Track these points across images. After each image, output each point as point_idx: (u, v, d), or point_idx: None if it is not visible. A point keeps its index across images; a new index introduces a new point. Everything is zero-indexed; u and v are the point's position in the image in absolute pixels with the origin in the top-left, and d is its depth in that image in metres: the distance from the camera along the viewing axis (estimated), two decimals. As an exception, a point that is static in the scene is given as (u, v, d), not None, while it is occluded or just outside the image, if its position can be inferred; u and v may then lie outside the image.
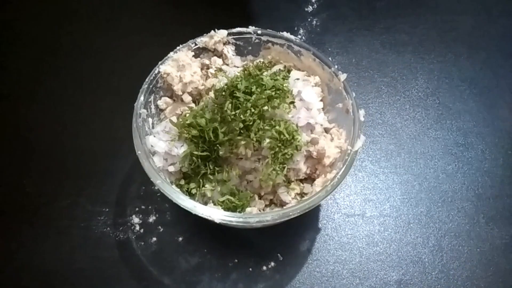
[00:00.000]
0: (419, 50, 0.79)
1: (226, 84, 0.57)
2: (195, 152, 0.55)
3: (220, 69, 0.63)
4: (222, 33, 0.63)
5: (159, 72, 0.60)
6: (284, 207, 0.56)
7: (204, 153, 0.56)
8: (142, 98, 0.58)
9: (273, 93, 0.56)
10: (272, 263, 0.59)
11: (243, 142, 0.55)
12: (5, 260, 0.60)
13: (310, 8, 0.82)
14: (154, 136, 0.59)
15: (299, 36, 0.78)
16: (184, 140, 0.57)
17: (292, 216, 0.51)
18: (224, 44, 0.64)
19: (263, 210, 0.58)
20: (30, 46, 0.78)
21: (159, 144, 0.57)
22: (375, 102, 0.73)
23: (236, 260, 0.59)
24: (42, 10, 0.82)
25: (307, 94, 0.59)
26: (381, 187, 0.66)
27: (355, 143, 0.55)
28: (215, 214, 0.51)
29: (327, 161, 0.57)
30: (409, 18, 0.82)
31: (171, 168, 0.57)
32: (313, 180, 0.59)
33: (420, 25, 0.82)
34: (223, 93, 0.57)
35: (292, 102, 0.59)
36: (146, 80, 0.59)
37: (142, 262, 0.59)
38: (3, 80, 0.74)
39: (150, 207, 0.63)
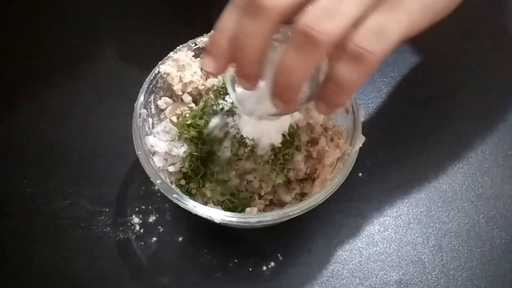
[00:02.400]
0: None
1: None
2: (195, 153, 0.56)
3: (220, 69, 0.63)
4: (222, 33, 0.62)
5: (159, 72, 0.60)
6: (284, 207, 0.56)
7: (204, 155, 0.56)
8: (142, 98, 0.58)
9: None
10: (272, 263, 0.59)
11: (243, 143, 0.55)
12: (5, 260, 0.60)
13: (310, 8, 0.82)
14: (154, 136, 0.59)
15: (299, 36, 0.78)
16: (184, 140, 0.57)
17: (292, 216, 0.51)
18: (224, 44, 0.64)
19: (263, 210, 0.58)
20: (29, 46, 0.78)
21: (159, 144, 0.57)
22: (375, 102, 0.73)
23: (236, 260, 0.59)
24: (41, 10, 0.82)
25: (307, 94, 0.59)
26: (381, 187, 0.66)
27: (355, 143, 0.55)
28: (215, 214, 0.51)
29: (327, 161, 0.57)
30: (409, 18, 0.82)
31: (171, 168, 0.57)
32: (313, 180, 0.59)
33: (420, 25, 0.82)
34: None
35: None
36: (146, 80, 0.59)
37: (142, 262, 0.59)
38: (3, 80, 0.74)
39: (150, 207, 0.63)
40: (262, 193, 0.58)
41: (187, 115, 0.58)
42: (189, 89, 0.62)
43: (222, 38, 0.41)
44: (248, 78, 0.42)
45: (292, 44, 0.38)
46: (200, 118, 0.56)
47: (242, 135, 0.53)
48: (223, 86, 0.57)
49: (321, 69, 0.42)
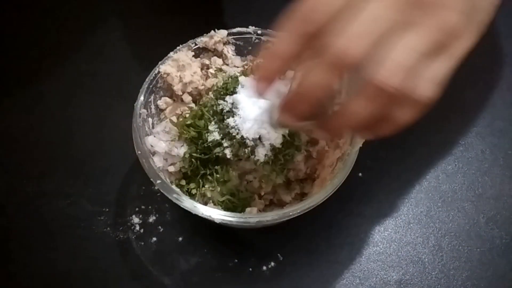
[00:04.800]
0: (419, 50, 0.79)
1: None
2: (194, 154, 0.56)
3: (220, 69, 0.63)
4: (222, 33, 0.63)
5: (159, 72, 0.60)
6: (284, 207, 0.56)
7: (203, 156, 0.55)
8: (142, 98, 0.58)
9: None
10: (272, 263, 0.59)
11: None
12: (5, 260, 0.60)
13: (310, 8, 0.82)
14: (154, 136, 0.59)
15: (299, 36, 0.78)
16: (184, 140, 0.57)
17: (292, 216, 0.51)
18: (224, 44, 0.64)
19: (263, 210, 0.58)
20: (29, 46, 0.78)
21: (159, 144, 0.58)
22: (375, 102, 0.73)
23: (236, 260, 0.59)
24: (41, 10, 0.82)
25: (307, 94, 0.59)
26: (381, 187, 0.66)
27: (355, 143, 0.55)
28: (215, 214, 0.51)
29: (327, 161, 0.57)
30: (409, 18, 0.82)
31: (171, 168, 0.57)
32: (313, 180, 0.59)
33: (420, 25, 0.82)
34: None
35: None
36: (146, 80, 0.59)
37: (142, 262, 0.59)
38: (3, 80, 0.74)
39: (150, 207, 0.63)
40: (262, 193, 0.58)
41: (187, 115, 0.58)
42: (189, 89, 0.62)
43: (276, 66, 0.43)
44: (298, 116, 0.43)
45: (365, 95, 0.39)
46: (200, 119, 0.56)
47: (242, 136, 0.53)
48: (223, 86, 0.57)
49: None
